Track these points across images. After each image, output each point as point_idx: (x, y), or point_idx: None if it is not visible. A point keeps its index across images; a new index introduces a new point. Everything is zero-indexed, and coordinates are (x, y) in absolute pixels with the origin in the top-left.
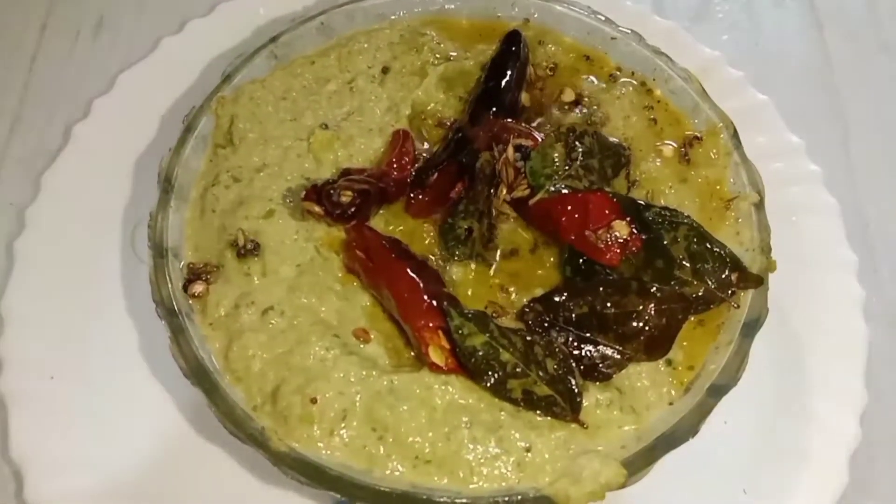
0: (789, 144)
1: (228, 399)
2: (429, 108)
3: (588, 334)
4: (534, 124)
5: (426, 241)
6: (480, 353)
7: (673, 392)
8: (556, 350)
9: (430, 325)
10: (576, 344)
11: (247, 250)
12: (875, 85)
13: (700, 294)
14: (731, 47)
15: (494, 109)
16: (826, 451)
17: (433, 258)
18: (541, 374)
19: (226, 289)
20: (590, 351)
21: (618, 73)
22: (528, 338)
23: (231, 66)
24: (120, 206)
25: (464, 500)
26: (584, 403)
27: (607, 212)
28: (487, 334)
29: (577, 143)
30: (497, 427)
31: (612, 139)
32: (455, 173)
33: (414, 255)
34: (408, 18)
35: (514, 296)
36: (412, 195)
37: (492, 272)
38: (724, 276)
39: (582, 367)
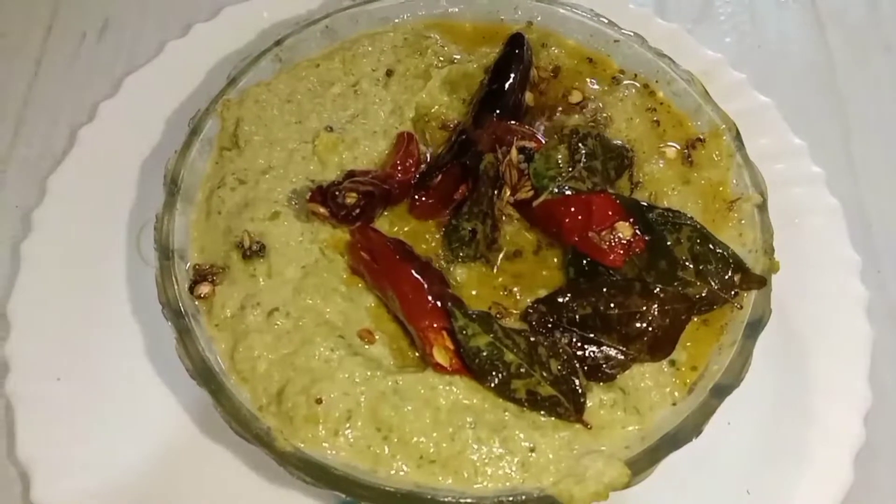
0: (792, 146)
1: (234, 399)
2: (432, 110)
3: (592, 335)
4: (537, 126)
5: (430, 243)
6: (484, 354)
7: (676, 392)
8: (560, 351)
9: (435, 325)
10: (579, 345)
11: (252, 252)
12: (877, 86)
13: (703, 295)
14: (734, 49)
15: (498, 112)
16: (830, 451)
17: (437, 259)
18: (545, 374)
19: (231, 290)
20: (593, 351)
21: (620, 75)
22: (532, 338)
23: (236, 69)
24: (125, 208)
25: (468, 500)
26: (588, 404)
27: (611, 213)
28: (491, 335)
29: (580, 144)
30: (501, 427)
31: (615, 141)
32: (459, 175)
33: (418, 257)
34: (411, 22)
35: (517, 297)
36: (416, 197)
37: (495, 273)
38: (727, 277)
39: (586, 368)
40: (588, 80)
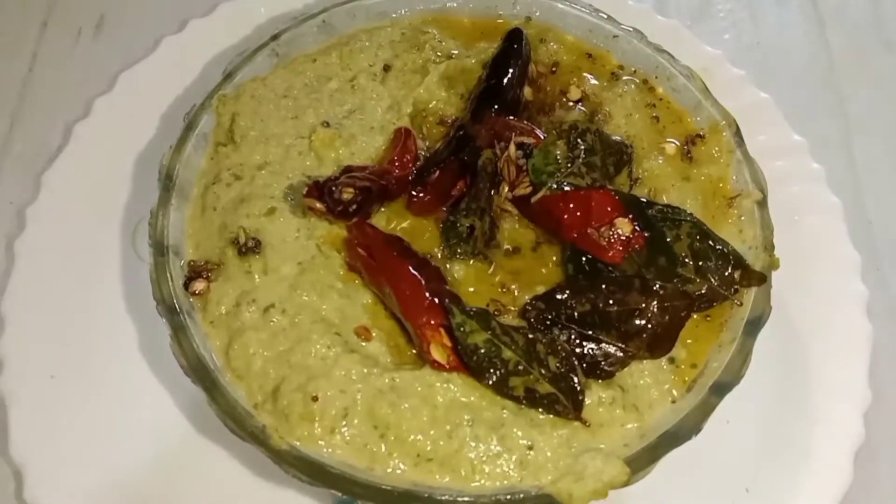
0: (791, 143)
1: (229, 397)
2: (430, 106)
3: (590, 332)
4: (535, 122)
5: (428, 239)
6: (482, 351)
7: (675, 390)
8: (559, 348)
9: (432, 322)
10: (578, 342)
11: (248, 248)
12: (877, 83)
13: (703, 292)
14: (733, 46)
15: (496, 107)
16: (829, 449)
17: (435, 256)
18: (543, 371)
19: (227, 287)
20: (592, 349)
21: (620, 70)
22: (531, 335)
23: (232, 63)
24: (121, 205)
25: (466, 499)
26: (587, 401)
27: (610, 209)
28: (489, 332)
29: (579, 140)
30: (499, 425)
31: (614, 137)
32: (457, 171)
33: (415, 253)
34: (409, 16)
35: (516, 293)
36: (414, 193)
37: (493, 270)
38: (727, 273)
39: (584, 365)
40: (587, 75)
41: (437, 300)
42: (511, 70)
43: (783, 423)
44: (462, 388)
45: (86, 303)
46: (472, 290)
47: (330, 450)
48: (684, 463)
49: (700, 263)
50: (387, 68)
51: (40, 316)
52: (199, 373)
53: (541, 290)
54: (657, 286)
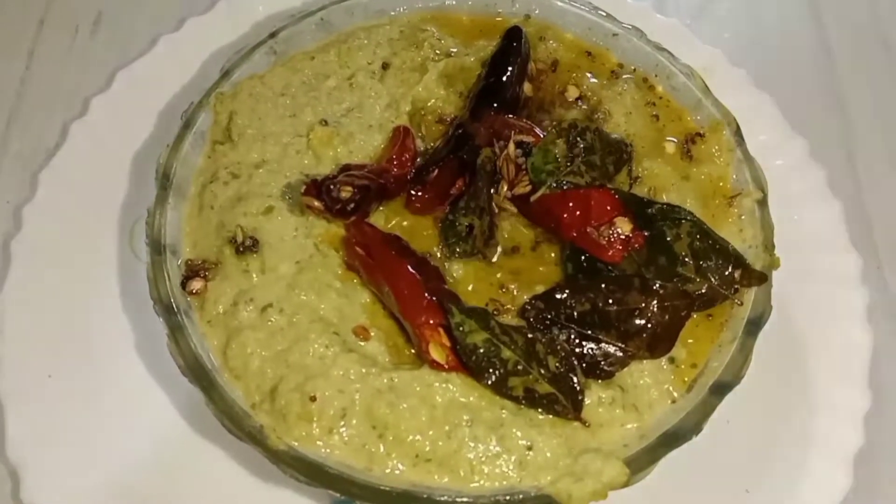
0: (791, 142)
1: (226, 397)
2: (429, 104)
3: (590, 332)
4: (535, 120)
5: (426, 238)
6: (481, 351)
7: (676, 390)
8: (558, 347)
9: (431, 322)
10: (577, 341)
11: (245, 247)
12: (877, 83)
13: (703, 291)
14: (733, 45)
15: (495, 105)
16: (829, 451)
17: (434, 255)
18: (542, 371)
19: (224, 286)
20: (592, 348)
21: (619, 69)
22: (530, 335)
23: (230, 61)
24: (118, 204)
25: (465, 499)
26: (586, 401)
27: (609, 208)
28: (488, 331)
29: (578, 139)
30: (498, 425)
31: (613, 135)
32: (456, 170)
33: (414, 252)
34: (408, 14)
35: (515, 293)
36: (412, 192)
37: (493, 269)
38: (727, 273)
39: (584, 365)
40: (587, 73)
41: (435, 299)
42: (510, 68)
43: (783, 423)
44: (461, 388)
45: (83, 302)
46: (470, 289)
47: (328, 450)
48: (684, 463)
49: (700, 263)
50: (385, 66)
51: (37, 315)
52: (197, 372)
53: (540, 289)
54: (657, 285)
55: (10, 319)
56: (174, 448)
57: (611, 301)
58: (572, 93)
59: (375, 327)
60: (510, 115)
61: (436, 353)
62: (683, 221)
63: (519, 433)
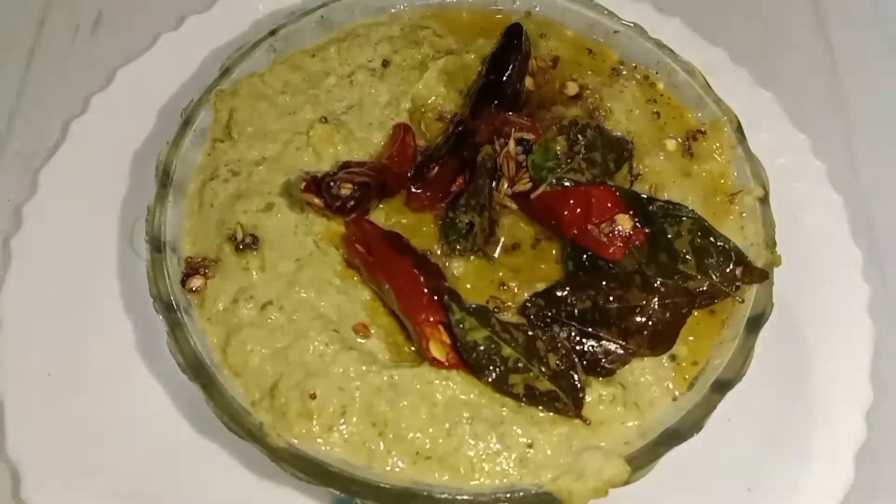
0: (793, 140)
1: (226, 394)
2: (429, 101)
3: (591, 329)
4: (535, 118)
5: (427, 236)
6: (482, 348)
7: (677, 388)
8: (559, 345)
9: (431, 319)
10: (578, 339)
11: (245, 244)
12: (879, 81)
13: (704, 289)
14: (735, 44)
15: (496, 103)
16: (831, 448)
17: (434, 252)
18: (543, 369)
19: (224, 283)
20: (592, 346)
21: (620, 66)
22: (530, 332)
23: (230, 59)
24: (118, 202)
25: (465, 497)
26: (587, 399)
27: (610, 205)
28: (489, 329)
29: (579, 136)
30: (499, 423)
31: (614, 133)
32: (456, 167)
33: (414, 250)
34: (408, 12)
35: (515, 290)
36: (413, 189)
37: (493, 267)
38: (728, 270)
39: (584, 363)
40: (588, 71)
41: (436, 297)
42: (511, 65)
43: (785, 421)
44: (461, 386)
45: (83, 300)
46: (471, 286)
47: (328, 448)
48: (685, 461)
49: (701, 260)
50: (385, 64)
51: (37, 314)
52: (196, 370)
53: (541, 286)
54: (658, 283)
55: (10, 318)
56: (175, 446)
57: (611, 298)
58: (573, 90)
59: (375, 325)
60: (511, 113)
61: (436, 351)
62: (684, 219)
63: (519, 431)
